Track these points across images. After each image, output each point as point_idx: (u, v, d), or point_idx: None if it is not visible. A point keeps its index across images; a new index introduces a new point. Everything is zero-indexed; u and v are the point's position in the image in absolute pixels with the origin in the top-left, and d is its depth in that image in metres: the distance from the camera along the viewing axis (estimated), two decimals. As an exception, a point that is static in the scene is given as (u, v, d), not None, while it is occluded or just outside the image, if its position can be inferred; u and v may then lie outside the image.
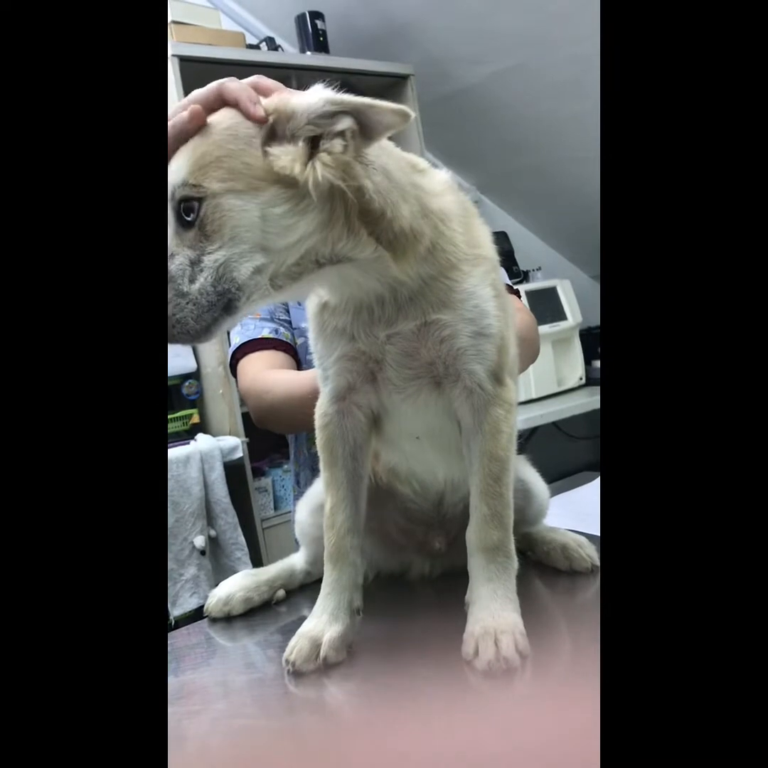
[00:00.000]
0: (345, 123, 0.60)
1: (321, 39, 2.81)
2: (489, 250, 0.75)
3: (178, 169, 0.62)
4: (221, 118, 0.64)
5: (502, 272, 1.40)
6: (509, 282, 1.41)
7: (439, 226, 0.69)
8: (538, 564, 0.91)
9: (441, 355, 0.70)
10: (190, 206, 0.61)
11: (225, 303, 0.62)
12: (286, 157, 0.61)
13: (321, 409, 0.78)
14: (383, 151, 0.67)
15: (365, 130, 0.61)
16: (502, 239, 3.42)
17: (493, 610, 0.68)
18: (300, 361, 1.30)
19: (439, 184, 0.73)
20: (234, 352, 1.33)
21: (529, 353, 1.33)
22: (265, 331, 1.32)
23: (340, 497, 0.76)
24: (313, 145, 0.61)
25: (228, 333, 1.43)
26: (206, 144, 0.62)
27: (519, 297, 1.45)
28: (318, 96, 0.61)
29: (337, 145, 0.60)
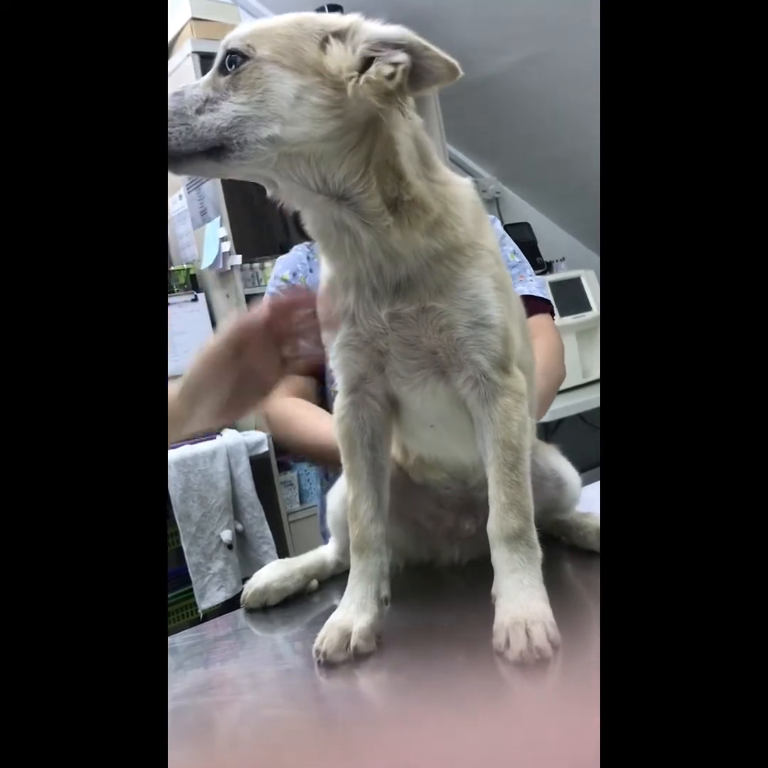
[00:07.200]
0: (401, 56, 0.63)
1: (340, 32, 2.79)
2: (494, 245, 0.76)
3: (241, 29, 0.68)
4: (287, 16, 0.69)
5: (538, 281, 1.38)
6: (547, 297, 1.38)
7: (449, 206, 0.71)
8: (571, 549, 0.91)
9: (442, 344, 0.71)
10: (235, 59, 0.66)
11: (218, 145, 0.65)
12: (339, 56, 0.65)
13: (337, 402, 0.79)
14: (420, 131, 0.71)
15: (415, 76, 0.64)
16: (525, 230, 3.38)
17: (521, 601, 0.67)
18: (323, 379, 1.30)
19: (456, 178, 0.75)
20: None
21: (554, 384, 1.31)
22: None
23: (361, 488, 0.77)
24: (367, 65, 0.64)
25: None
26: (272, 23, 0.69)
27: (553, 315, 1.43)
28: (383, 26, 0.65)
29: (387, 69, 0.63)
